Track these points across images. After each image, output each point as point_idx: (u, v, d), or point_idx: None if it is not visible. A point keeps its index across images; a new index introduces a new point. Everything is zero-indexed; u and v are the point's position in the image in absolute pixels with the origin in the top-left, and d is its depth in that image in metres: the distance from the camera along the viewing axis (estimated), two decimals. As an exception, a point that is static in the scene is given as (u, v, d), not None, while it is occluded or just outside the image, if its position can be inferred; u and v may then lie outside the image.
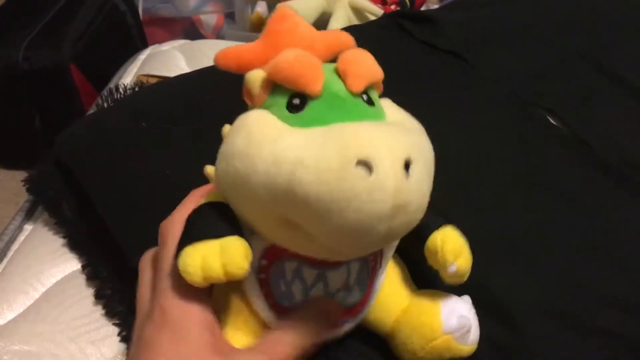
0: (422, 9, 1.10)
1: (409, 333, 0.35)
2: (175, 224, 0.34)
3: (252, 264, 0.31)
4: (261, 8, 1.28)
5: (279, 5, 0.34)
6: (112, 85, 0.83)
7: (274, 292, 0.34)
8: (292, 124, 0.29)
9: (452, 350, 0.34)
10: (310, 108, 0.29)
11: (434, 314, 0.35)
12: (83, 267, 0.52)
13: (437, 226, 0.35)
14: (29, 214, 0.60)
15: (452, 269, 0.34)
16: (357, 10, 1.05)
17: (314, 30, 0.33)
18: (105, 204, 0.49)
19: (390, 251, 0.36)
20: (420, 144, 0.29)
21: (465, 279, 0.34)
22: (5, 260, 0.55)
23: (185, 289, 0.31)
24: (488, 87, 0.58)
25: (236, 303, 0.34)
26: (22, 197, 0.61)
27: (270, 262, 0.33)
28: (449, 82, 0.59)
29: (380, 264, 0.36)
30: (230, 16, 1.47)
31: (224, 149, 0.30)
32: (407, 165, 0.27)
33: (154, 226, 0.36)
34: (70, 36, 1.17)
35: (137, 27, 1.35)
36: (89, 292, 0.50)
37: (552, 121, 0.55)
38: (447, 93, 0.57)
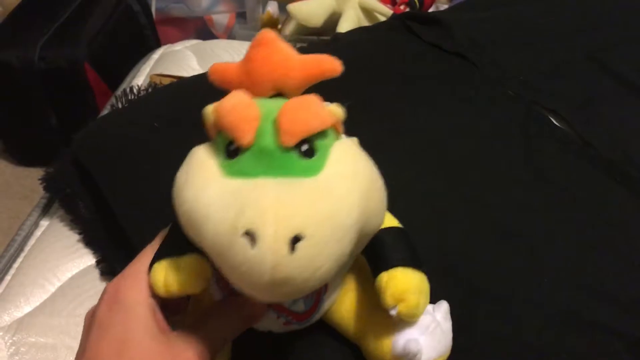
0: (432, 9, 1.10)
1: (365, 351, 0.37)
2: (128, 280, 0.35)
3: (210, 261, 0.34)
4: (272, 8, 1.29)
5: (262, 30, 0.33)
6: (126, 84, 0.84)
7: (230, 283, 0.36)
8: (224, 170, 0.30)
9: None
10: (240, 158, 0.30)
11: (384, 339, 0.35)
12: (97, 262, 0.54)
13: (388, 266, 0.34)
14: (45, 210, 0.61)
15: (392, 312, 0.33)
16: (366, 11, 1.05)
17: (293, 57, 0.33)
18: (119, 202, 0.50)
19: (336, 282, 0.37)
20: (330, 213, 0.28)
21: (414, 320, 0.34)
22: (23, 255, 0.57)
23: (139, 276, 0.34)
24: (493, 88, 0.58)
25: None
26: (38, 193, 0.63)
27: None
28: (454, 83, 0.59)
29: (326, 291, 0.37)
30: (241, 16, 1.48)
31: (176, 177, 0.32)
32: (295, 241, 0.26)
33: (166, 223, 0.38)
34: (85, 36, 1.18)
35: (150, 27, 1.37)
36: (102, 287, 0.51)
37: (555, 122, 0.55)
38: (452, 94, 0.58)
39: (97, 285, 0.52)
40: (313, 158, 0.30)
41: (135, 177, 0.51)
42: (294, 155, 0.30)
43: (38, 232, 0.59)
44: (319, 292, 0.36)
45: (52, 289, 0.53)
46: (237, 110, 0.30)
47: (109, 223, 0.52)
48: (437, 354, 0.35)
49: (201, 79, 0.64)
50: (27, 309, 0.52)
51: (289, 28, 1.12)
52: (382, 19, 1.01)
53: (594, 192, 0.49)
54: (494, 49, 0.62)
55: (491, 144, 0.53)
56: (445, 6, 1.14)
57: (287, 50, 0.33)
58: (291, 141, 0.30)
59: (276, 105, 0.31)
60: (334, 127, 0.32)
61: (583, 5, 0.70)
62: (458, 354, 0.37)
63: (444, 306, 0.37)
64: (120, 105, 0.68)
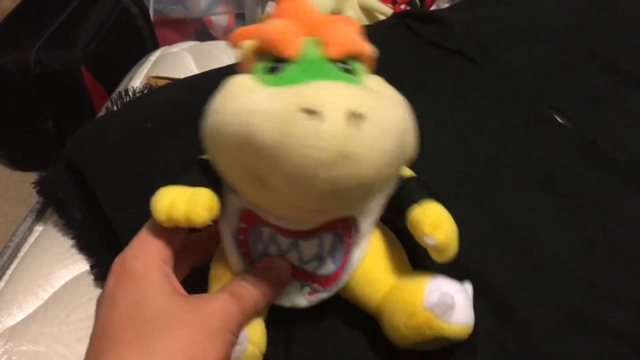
0: (433, 8, 1.09)
1: (392, 309, 0.35)
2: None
3: (231, 225, 0.35)
4: (271, 8, 1.28)
5: None
6: (122, 86, 0.83)
7: (252, 252, 0.35)
8: (267, 84, 0.31)
9: (434, 328, 0.33)
10: (287, 71, 0.31)
11: (417, 291, 0.34)
12: (91, 267, 0.53)
13: (418, 200, 0.35)
14: (40, 216, 0.60)
15: (430, 241, 0.33)
16: (366, 10, 1.04)
17: (318, 11, 0.34)
18: (112, 206, 0.50)
19: (366, 225, 0.36)
20: (384, 107, 0.29)
21: (450, 254, 0.34)
22: (16, 262, 0.56)
23: (145, 245, 0.33)
24: (495, 86, 0.57)
25: (221, 272, 0.36)
26: (36, 198, 0.62)
27: (248, 225, 0.35)
28: (456, 82, 0.58)
29: (356, 238, 0.36)
30: (240, 17, 1.48)
31: (207, 109, 0.32)
32: (358, 118, 0.27)
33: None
34: (81, 39, 1.18)
35: (148, 29, 1.36)
36: (96, 293, 0.50)
37: (559, 120, 0.54)
38: (454, 92, 0.57)
39: (90, 292, 0.51)
40: (352, 74, 0.32)
41: (129, 180, 0.50)
42: (338, 69, 0.31)
43: (32, 238, 0.58)
44: (348, 246, 0.36)
45: (45, 296, 0.52)
46: (284, 27, 0.32)
47: (103, 227, 0.51)
48: (466, 320, 0.34)
49: (196, 79, 0.63)
50: (19, 316, 0.51)
51: (288, 29, 1.11)
52: (382, 18, 1.00)
53: (598, 191, 0.48)
54: (496, 47, 0.61)
55: (493, 143, 0.52)
56: (447, 4, 1.13)
57: (313, 6, 0.34)
58: (336, 52, 0.31)
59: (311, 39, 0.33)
60: (368, 62, 0.34)
61: (585, 2, 0.68)
62: (462, 356, 0.37)
63: (470, 285, 0.36)
64: (115, 108, 0.67)
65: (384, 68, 0.59)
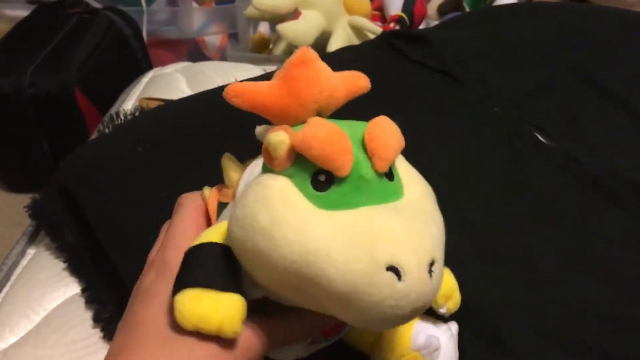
0: (422, 26, 1.11)
1: (382, 350, 0.37)
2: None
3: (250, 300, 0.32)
4: (263, 28, 1.29)
5: (302, 48, 0.32)
6: (114, 108, 0.84)
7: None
8: (316, 203, 0.28)
9: None
10: (336, 189, 0.28)
11: (405, 332, 0.37)
12: (83, 290, 0.53)
13: None
14: (32, 238, 0.61)
15: (442, 311, 0.36)
16: (356, 30, 1.05)
17: (333, 76, 0.32)
18: (104, 229, 0.50)
19: None
20: (440, 235, 0.29)
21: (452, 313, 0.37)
22: (9, 285, 0.56)
23: (180, 246, 0.33)
24: (478, 105, 0.58)
25: None
26: (29, 220, 0.62)
27: (266, 302, 0.34)
28: (440, 102, 0.59)
29: None
30: (234, 37, 1.49)
31: (243, 216, 0.29)
32: (431, 266, 0.27)
33: (148, 250, 0.38)
34: (75, 61, 1.18)
35: (141, 50, 1.37)
36: (88, 316, 0.51)
37: (541, 138, 0.55)
38: (438, 112, 0.58)
39: (81, 315, 0.51)
40: (394, 181, 0.30)
41: (120, 203, 0.51)
42: (385, 181, 0.30)
43: (24, 261, 0.59)
44: None
45: (37, 319, 0.52)
46: (334, 140, 0.28)
47: (95, 250, 0.52)
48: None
49: (187, 102, 0.64)
50: (12, 339, 0.51)
51: (280, 48, 1.12)
52: (372, 37, 1.01)
53: (580, 209, 0.49)
54: (480, 66, 0.62)
55: (477, 161, 0.53)
56: (436, 22, 1.15)
57: (328, 69, 0.32)
58: (386, 167, 0.29)
59: (350, 128, 0.30)
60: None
61: (567, 21, 0.70)
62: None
63: (455, 325, 0.39)
64: (106, 131, 0.68)
65: (371, 88, 0.60)
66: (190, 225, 0.36)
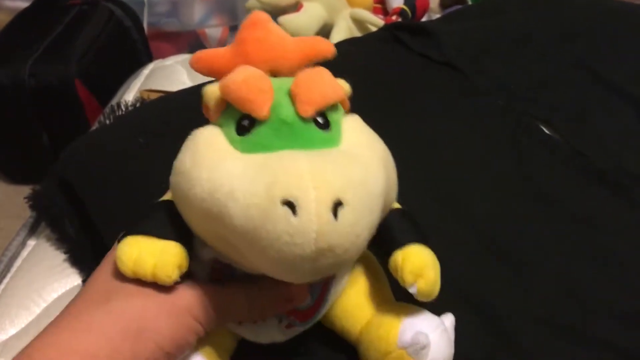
0: (424, 19, 1.10)
1: (367, 345, 0.35)
2: None
3: (203, 267, 0.33)
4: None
5: (253, 12, 0.33)
6: (115, 100, 0.84)
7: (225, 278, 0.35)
8: (237, 147, 0.29)
9: None
10: (257, 132, 0.29)
11: (392, 328, 0.34)
12: (83, 282, 0.53)
13: (401, 244, 0.34)
14: (33, 230, 0.61)
15: (412, 290, 0.32)
16: (358, 22, 1.05)
17: (286, 38, 0.32)
18: (103, 220, 0.50)
19: (344, 269, 0.36)
20: (362, 180, 0.28)
21: (431, 298, 0.33)
22: (9, 276, 0.56)
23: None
24: (483, 98, 0.58)
25: None
26: (30, 212, 0.62)
27: (222, 266, 0.34)
28: (444, 94, 0.59)
29: (334, 278, 0.36)
30: (234, 29, 1.48)
31: (175, 162, 0.31)
32: (336, 206, 0.26)
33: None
34: (75, 53, 1.18)
35: (142, 42, 1.36)
36: (88, 307, 0.50)
37: (547, 132, 0.55)
38: (442, 104, 0.57)
39: (82, 306, 0.51)
40: (329, 130, 0.30)
41: (120, 194, 0.51)
42: (312, 127, 0.29)
43: (25, 252, 0.58)
44: (326, 282, 0.35)
45: (37, 311, 0.52)
46: (251, 82, 0.29)
47: (95, 241, 0.51)
48: (443, 358, 0.34)
49: (188, 92, 0.63)
50: (12, 331, 0.51)
51: (281, 40, 1.11)
52: (374, 29, 1.01)
53: (586, 202, 0.49)
54: (484, 59, 0.62)
55: (481, 155, 0.52)
56: (438, 15, 1.14)
57: (281, 32, 0.32)
58: (310, 111, 0.29)
59: (283, 80, 0.30)
60: (342, 103, 0.32)
61: (572, 15, 0.69)
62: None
63: (450, 317, 0.36)
64: (107, 122, 0.67)
65: (371, 81, 0.60)
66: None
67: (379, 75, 0.61)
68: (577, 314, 0.42)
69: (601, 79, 0.59)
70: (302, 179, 0.26)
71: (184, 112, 0.58)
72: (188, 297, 0.31)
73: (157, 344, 0.30)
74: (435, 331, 0.34)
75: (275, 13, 1.10)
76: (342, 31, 1.01)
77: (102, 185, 0.52)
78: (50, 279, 0.54)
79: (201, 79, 0.73)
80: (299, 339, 0.37)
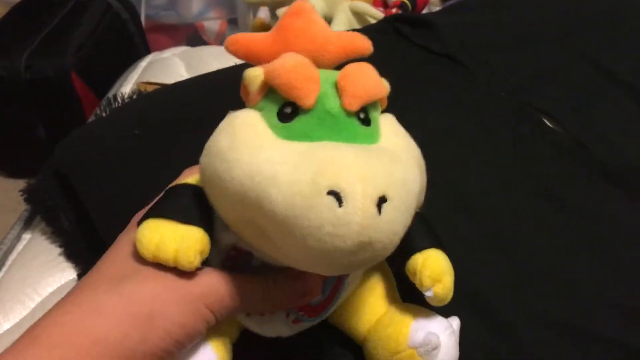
0: (424, 11, 1.09)
1: (376, 344, 0.35)
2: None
3: (219, 253, 0.33)
4: (263, 13, 1.28)
5: (297, 0, 0.32)
6: (111, 93, 0.83)
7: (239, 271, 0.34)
8: (278, 134, 0.28)
9: None
10: (300, 120, 0.29)
11: (402, 328, 0.34)
12: (79, 276, 0.52)
13: (421, 248, 0.34)
14: (28, 223, 0.60)
15: (429, 294, 0.33)
16: (358, 15, 1.04)
17: (328, 30, 0.32)
18: (99, 213, 0.49)
19: None
20: (403, 179, 0.28)
21: (445, 302, 0.33)
22: (4, 270, 0.55)
23: None
24: (485, 89, 0.57)
25: None
26: (25, 206, 0.61)
27: (239, 254, 0.33)
28: (445, 86, 0.58)
29: (348, 273, 0.35)
30: (233, 22, 1.47)
31: (209, 143, 0.30)
32: (381, 202, 0.26)
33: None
34: (72, 45, 1.17)
35: (139, 35, 1.36)
36: (84, 302, 0.50)
37: (548, 124, 0.54)
38: (443, 96, 0.57)
39: (77, 301, 0.50)
40: (370, 127, 0.30)
41: (117, 188, 0.50)
42: (355, 122, 0.29)
43: (20, 246, 0.58)
44: (340, 279, 0.35)
45: (32, 305, 0.51)
46: (300, 69, 0.29)
47: (91, 235, 0.51)
48: (450, 359, 0.34)
49: (185, 85, 0.62)
50: (6, 325, 0.50)
51: (280, 33, 1.10)
52: (374, 22, 1.00)
53: (588, 195, 0.48)
54: (485, 51, 0.61)
55: (482, 147, 0.52)
56: (438, 8, 1.13)
57: (323, 23, 0.32)
58: (355, 105, 0.29)
59: (330, 72, 0.30)
60: (381, 101, 0.32)
61: (575, 6, 0.68)
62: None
63: (457, 320, 0.36)
64: (104, 114, 0.66)
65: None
66: None
67: (379, 68, 0.60)
68: (578, 310, 0.41)
69: (603, 71, 0.59)
70: (350, 170, 0.25)
71: (181, 105, 0.58)
72: (203, 285, 0.31)
73: (166, 331, 0.29)
74: (445, 332, 0.34)
75: (274, 6, 1.10)
76: (342, 23, 1.00)
77: (98, 178, 0.51)
78: (45, 273, 0.53)
79: (200, 70, 0.73)
80: (303, 335, 0.37)
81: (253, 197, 0.27)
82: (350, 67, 0.30)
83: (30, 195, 0.56)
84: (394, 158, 0.28)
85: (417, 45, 0.63)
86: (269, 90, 0.30)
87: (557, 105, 0.55)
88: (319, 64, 0.31)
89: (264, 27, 1.24)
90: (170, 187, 0.33)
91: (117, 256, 0.32)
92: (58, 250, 0.55)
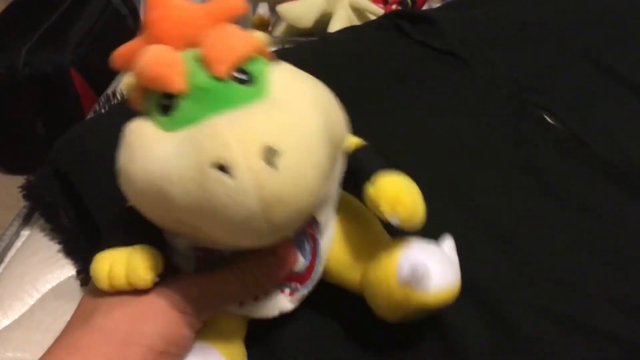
0: (424, 8, 1.09)
1: (370, 290, 0.34)
2: None
3: (187, 259, 0.33)
4: (263, 10, 1.27)
5: None
6: (110, 89, 0.82)
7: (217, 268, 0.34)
8: (165, 128, 0.28)
9: (414, 301, 0.32)
10: (180, 107, 0.28)
11: (389, 266, 0.33)
12: (78, 272, 0.52)
13: (369, 175, 0.32)
14: (27, 220, 0.60)
15: (394, 221, 0.31)
16: (358, 11, 1.04)
17: (192, 8, 0.30)
18: (99, 210, 0.49)
19: (324, 216, 0.35)
20: (295, 126, 0.27)
21: (418, 223, 0.32)
22: (2, 267, 0.55)
23: None
24: (486, 86, 0.57)
25: None
26: (23, 203, 0.61)
27: (204, 252, 0.33)
28: (446, 82, 0.58)
29: (319, 229, 0.35)
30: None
31: (116, 166, 0.30)
32: (271, 155, 0.25)
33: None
34: (71, 41, 1.17)
35: (138, 31, 1.36)
36: (83, 298, 0.50)
37: (550, 121, 0.54)
38: (444, 93, 0.57)
39: (75, 298, 0.50)
40: (252, 84, 0.29)
41: (116, 184, 0.50)
42: (233, 85, 0.28)
43: (19, 243, 0.57)
44: (312, 237, 0.34)
45: (31, 302, 0.51)
46: (159, 58, 0.28)
47: (90, 232, 0.51)
48: (448, 282, 0.32)
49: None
50: (5, 322, 0.50)
51: (280, 29, 1.10)
52: (373, 18, 1.00)
53: (590, 192, 0.48)
54: (486, 47, 0.61)
55: (484, 144, 0.52)
56: (438, 4, 1.13)
57: (183, 2, 0.31)
58: (224, 69, 0.28)
59: (195, 50, 0.29)
60: (262, 54, 0.30)
61: (576, 3, 0.68)
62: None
63: (448, 240, 0.35)
64: (102, 111, 0.66)
65: (371, 69, 0.59)
66: None
67: (379, 64, 0.60)
68: (579, 303, 0.41)
69: (604, 68, 0.59)
70: (225, 137, 0.25)
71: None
72: (168, 293, 0.31)
73: (146, 346, 0.30)
74: (433, 257, 0.32)
75: (274, 2, 1.09)
76: (342, 20, 1.00)
77: (97, 174, 0.51)
78: (44, 270, 0.53)
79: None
80: (305, 304, 0.37)
81: (160, 199, 0.27)
82: (209, 35, 0.29)
83: (29, 192, 0.56)
84: (276, 106, 0.27)
85: (418, 42, 0.63)
86: (146, 90, 0.29)
87: (558, 103, 0.55)
88: (200, 44, 0.30)
89: (264, 23, 1.23)
90: (111, 216, 0.34)
91: (87, 295, 0.33)
92: (57, 246, 0.55)
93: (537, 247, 0.44)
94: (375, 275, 0.33)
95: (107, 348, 0.29)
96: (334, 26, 0.98)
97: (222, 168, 0.25)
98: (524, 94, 0.56)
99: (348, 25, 0.98)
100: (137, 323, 0.30)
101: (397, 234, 0.35)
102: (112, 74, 0.88)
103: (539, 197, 0.48)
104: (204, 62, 0.28)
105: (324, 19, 1.01)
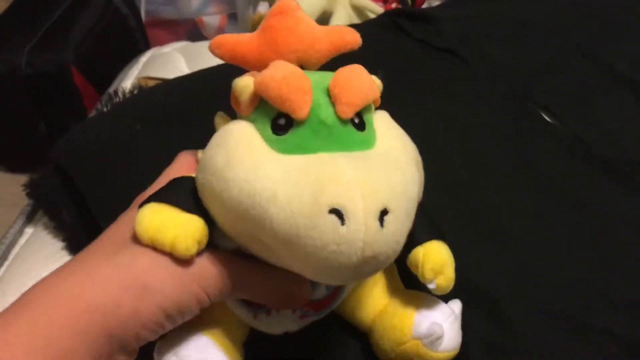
0: (424, 6, 1.09)
1: (381, 334, 0.36)
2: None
3: (230, 246, 0.32)
4: (263, 8, 1.28)
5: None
6: (112, 88, 0.83)
7: None
8: (274, 147, 0.28)
9: (422, 356, 0.34)
10: (295, 132, 0.28)
11: (406, 318, 0.35)
12: (81, 270, 0.52)
13: (422, 240, 0.34)
14: (30, 218, 0.60)
15: (432, 286, 0.33)
16: (358, 9, 1.04)
17: (315, 27, 0.31)
18: (100, 208, 0.49)
19: None
20: (404, 187, 0.27)
21: (447, 292, 0.34)
22: (6, 264, 0.55)
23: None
24: (484, 84, 0.57)
25: None
26: (27, 200, 0.62)
27: (249, 255, 0.33)
28: (445, 80, 0.58)
29: None
30: (233, 17, 1.47)
31: (204, 159, 0.29)
32: (382, 215, 0.26)
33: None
34: (72, 40, 1.17)
35: (139, 30, 1.36)
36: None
37: (547, 118, 0.54)
38: (443, 91, 0.57)
39: (80, 294, 0.50)
40: (365, 131, 0.29)
41: (118, 182, 0.50)
42: (350, 128, 0.29)
43: (22, 240, 0.58)
44: None
45: (34, 299, 0.51)
46: (292, 81, 0.28)
47: (93, 229, 0.51)
48: (453, 346, 0.35)
49: (186, 80, 0.63)
50: (9, 319, 0.50)
51: (280, 28, 1.10)
52: (373, 16, 1.00)
53: (588, 190, 0.48)
54: (485, 45, 0.61)
55: (482, 142, 0.52)
56: (438, 2, 1.13)
57: (310, 21, 0.31)
58: (350, 113, 0.28)
59: (320, 76, 0.29)
60: (375, 102, 0.31)
61: (576, 0, 0.68)
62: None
63: (459, 303, 0.37)
64: (104, 109, 0.67)
65: (371, 68, 0.59)
66: (178, 174, 0.34)
67: (379, 62, 0.60)
68: (578, 302, 0.41)
69: (603, 65, 0.59)
70: (350, 187, 0.25)
71: (181, 99, 0.58)
72: (199, 266, 0.30)
73: (158, 305, 0.29)
74: (448, 320, 0.34)
75: (274, 1, 1.10)
76: (342, 19, 1.00)
77: (99, 172, 0.51)
78: (47, 267, 0.53)
79: (200, 65, 0.73)
80: (310, 327, 0.37)
81: (253, 216, 0.27)
82: (342, 73, 0.29)
83: (32, 190, 0.56)
84: (393, 165, 0.28)
85: (417, 40, 0.63)
86: (261, 100, 0.29)
87: (556, 100, 0.55)
88: (308, 63, 0.31)
89: (264, 22, 1.24)
90: (175, 178, 0.32)
91: (114, 233, 0.32)
92: (60, 244, 0.55)
93: (535, 244, 0.44)
94: (391, 322, 0.35)
95: (124, 290, 0.29)
96: (334, 24, 0.99)
97: (337, 213, 0.25)
98: (522, 92, 0.56)
99: (348, 23, 0.98)
100: (159, 280, 0.29)
101: (412, 286, 0.38)
102: (113, 74, 0.89)
103: (536, 194, 0.48)
104: (331, 98, 0.28)
105: (325, 18, 1.02)
